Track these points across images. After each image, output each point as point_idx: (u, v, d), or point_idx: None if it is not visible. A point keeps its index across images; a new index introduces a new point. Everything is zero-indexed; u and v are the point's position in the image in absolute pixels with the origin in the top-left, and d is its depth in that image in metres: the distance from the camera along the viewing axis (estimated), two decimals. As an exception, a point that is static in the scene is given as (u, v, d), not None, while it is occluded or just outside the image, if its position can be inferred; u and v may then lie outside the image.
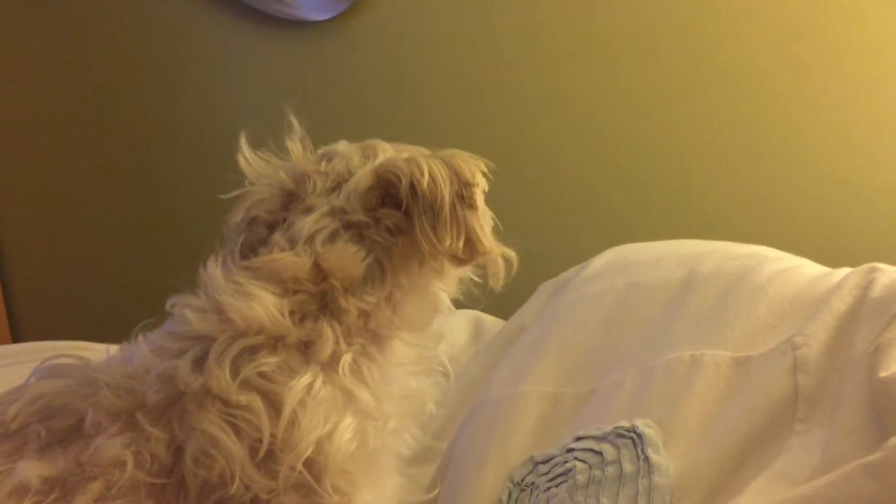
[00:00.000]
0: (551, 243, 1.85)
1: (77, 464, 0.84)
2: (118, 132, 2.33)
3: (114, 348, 1.00)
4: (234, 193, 1.03)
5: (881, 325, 0.95)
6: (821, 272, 1.18)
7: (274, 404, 0.87)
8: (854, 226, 1.66)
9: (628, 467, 0.98)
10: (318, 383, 0.89)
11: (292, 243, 0.94)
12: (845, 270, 1.13)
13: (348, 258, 0.93)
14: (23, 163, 2.43)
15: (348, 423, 0.89)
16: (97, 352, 1.05)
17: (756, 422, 0.95)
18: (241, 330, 0.89)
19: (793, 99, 1.69)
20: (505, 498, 1.09)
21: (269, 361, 0.88)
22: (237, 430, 0.86)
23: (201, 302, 0.93)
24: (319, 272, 0.93)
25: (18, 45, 2.35)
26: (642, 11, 1.77)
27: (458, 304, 1.12)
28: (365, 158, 1.00)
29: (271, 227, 0.98)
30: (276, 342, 0.89)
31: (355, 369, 0.93)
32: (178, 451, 0.87)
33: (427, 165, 0.94)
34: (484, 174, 0.98)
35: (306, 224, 0.95)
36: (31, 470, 0.83)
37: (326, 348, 0.91)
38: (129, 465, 0.84)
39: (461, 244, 0.93)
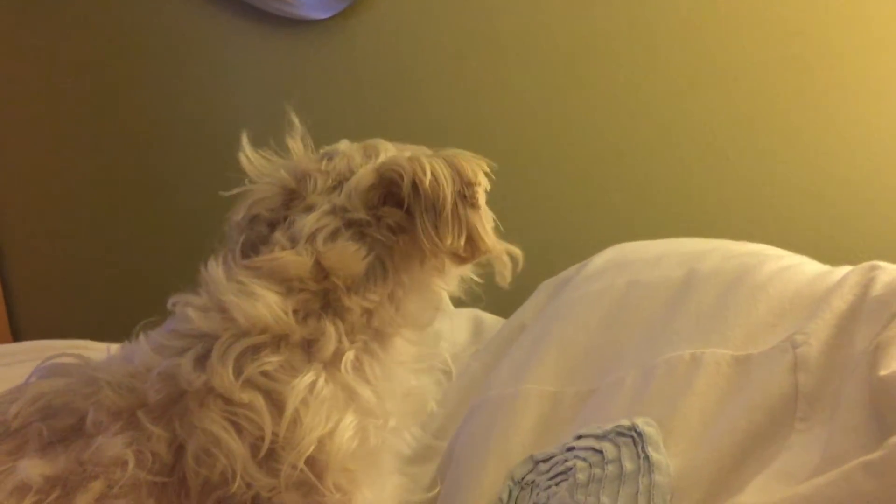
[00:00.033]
0: (552, 242, 1.85)
1: (78, 462, 0.84)
2: (118, 130, 2.33)
3: (114, 347, 0.99)
4: (234, 192, 1.03)
5: (881, 324, 0.95)
6: (821, 270, 1.18)
7: (276, 403, 0.87)
8: (854, 224, 1.66)
9: (629, 466, 0.98)
10: (321, 382, 0.89)
11: (293, 242, 0.94)
12: (846, 269, 1.13)
13: (349, 256, 0.93)
14: (23, 162, 2.43)
15: (349, 421, 0.89)
16: (97, 351, 1.04)
17: (756, 420, 0.95)
18: (245, 329, 0.89)
19: (793, 98, 1.70)
20: (505, 496, 1.09)
21: (271, 360, 0.88)
22: (239, 429, 0.86)
23: (203, 301, 0.93)
24: (321, 271, 0.93)
25: (18, 45, 2.35)
26: (643, 10, 1.77)
27: (459, 303, 1.12)
28: (367, 157, 1.00)
29: (272, 225, 0.99)
30: (279, 341, 0.90)
31: (357, 366, 0.93)
32: (179, 450, 0.87)
33: (429, 164, 0.94)
34: (486, 174, 0.98)
35: (307, 222, 0.95)
36: (33, 469, 0.83)
37: (329, 346, 0.91)
38: (131, 464, 0.84)
39: (462, 242, 0.94)
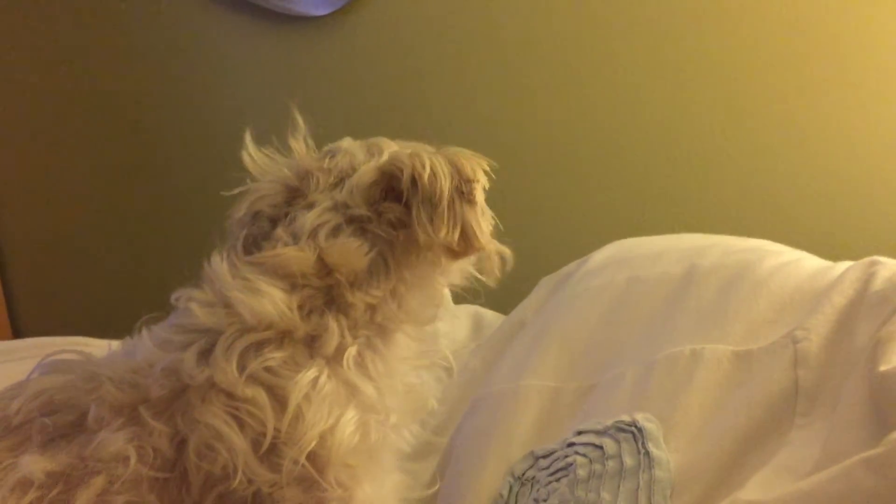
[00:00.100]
0: (552, 238, 1.85)
1: (80, 458, 0.84)
2: (116, 128, 2.32)
3: (115, 344, 1.00)
4: (236, 191, 1.03)
5: (882, 319, 0.95)
6: (821, 266, 1.18)
7: (279, 398, 0.87)
8: (854, 220, 1.66)
9: (629, 461, 0.98)
10: (323, 378, 0.89)
11: (295, 238, 0.95)
12: (846, 264, 1.13)
13: (352, 252, 0.94)
14: (23, 160, 2.43)
15: (351, 416, 0.89)
16: (98, 348, 1.05)
17: (756, 416, 0.95)
18: (250, 325, 0.89)
19: (793, 93, 1.69)
20: (505, 492, 1.09)
21: (275, 356, 0.88)
22: (241, 424, 0.86)
23: (208, 296, 0.93)
24: (324, 267, 0.93)
25: (18, 44, 2.35)
26: (643, 5, 1.77)
27: (459, 300, 1.12)
28: (370, 155, 1.00)
29: (274, 221, 0.99)
30: (282, 337, 0.90)
31: (360, 362, 0.93)
32: (180, 445, 0.87)
33: (429, 160, 0.94)
34: (486, 172, 0.99)
35: (308, 218, 0.95)
36: (34, 464, 0.83)
37: (332, 342, 0.91)
38: (132, 460, 0.84)
39: (456, 236, 0.94)
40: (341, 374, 0.91)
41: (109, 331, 1.24)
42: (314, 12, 2.03)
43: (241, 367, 0.87)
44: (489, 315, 1.67)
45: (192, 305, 0.92)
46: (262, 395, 0.87)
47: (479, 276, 1.05)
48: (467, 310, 1.67)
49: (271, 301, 0.89)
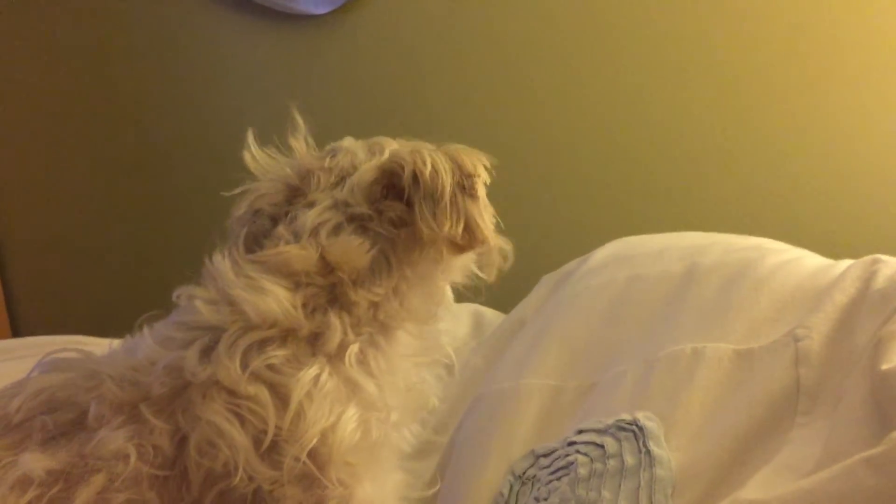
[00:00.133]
0: (553, 236, 1.85)
1: (80, 456, 0.84)
2: (116, 127, 2.32)
3: (116, 343, 1.00)
4: (237, 191, 1.03)
5: (883, 317, 0.95)
6: (823, 264, 1.18)
7: (281, 396, 0.87)
8: (856, 218, 1.66)
9: (630, 460, 0.98)
10: (325, 375, 0.89)
11: (296, 236, 0.95)
12: (847, 262, 1.13)
13: (353, 250, 0.94)
14: (23, 160, 2.43)
15: (352, 414, 0.89)
16: (97, 346, 1.05)
17: (758, 415, 0.95)
18: (254, 322, 0.89)
19: (795, 91, 1.69)
20: (506, 491, 1.09)
21: (277, 354, 0.88)
22: (242, 421, 0.86)
23: (211, 293, 0.93)
24: (326, 265, 0.93)
25: (18, 44, 2.35)
26: (643, 3, 1.76)
27: (459, 298, 1.12)
28: (371, 154, 1.00)
29: (274, 219, 0.99)
30: (285, 335, 0.90)
31: (362, 359, 0.93)
32: (181, 442, 0.87)
33: (430, 156, 0.95)
34: (486, 168, 0.99)
35: (309, 217, 0.95)
36: (35, 462, 0.83)
37: (334, 339, 0.91)
38: (133, 458, 0.84)
39: (460, 229, 0.94)
40: (343, 371, 0.91)
41: (109, 330, 1.23)
42: (314, 11, 2.03)
43: (244, 365, 0.87)
44: (489, 313, 1.67)
45: (196, 302, 0.92)
46: (264, 393, 0.87)
47: (481, 274, 1.05)
48: (467, 308, 1.67)
49: (275, 299, 0.90)
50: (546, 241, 1.83)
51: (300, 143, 1.04)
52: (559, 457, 1.05)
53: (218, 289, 0.93)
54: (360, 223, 0.95)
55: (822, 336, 0.99)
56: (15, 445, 0.85)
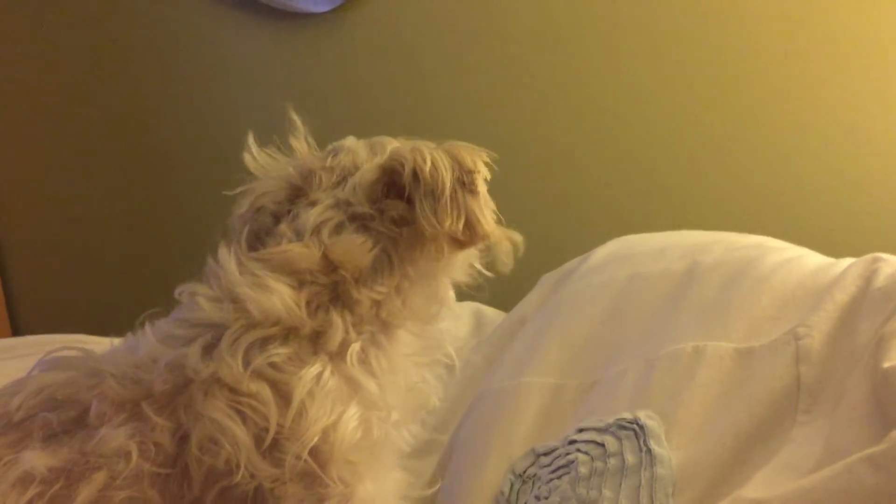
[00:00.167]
0: (553, 234, 1.85)
1: (81, 454, 0.84)
2: (116, 127, 2.32)
3: (116, 341, 1.00)
4: (238, 190, 1.03)
5: (884, 316, 0.95)
6: (823, 262, 1.18)
7: (283, 394, 0.87)
8: (857, 216, 1.66)
9: (630, 459, 0.98)
10: (327, 373, 0.89)
11: (298, 234, 0.95)
12: (848, 261, 1.13)
13: (355, 249, 0.94)
14: (23, 160, 2.43)
15: (353, 413, 0.90)
16: (98, 345, 1.04)
17: (759, 413, 0.95)
18: (257, 320, 0.90)
19: (795, 89, 1.69)
20: (507, 490, 1.09)
21: (280, 352, 0.89)
22: (244, 418, 0.86)
23: (213, 291, 0.93)
24: (329, 263, 0.93)
25: (18, 44, 2.35)
26: (645, 3, 1.76)
27: (460, 297, 1.12)
28: (372, 154, 1.00)
29: (276, 217, 0.99)
30: (288, 333, 0.90)
31: (363, 358, 0.94)
32: (182, 440, 0.87)
33: (430, 153, 0.95)
34: (486, 164, 0.99)
35: (311, 215, 0.95)
36: (36, 460, 0.83)
37: (336, 338, 0.91)
38: (134, 455, 0.84)
39: (461, 225, 0.94)
40: (344, 370, 0.91)
41: (109, 329, 1.23)
42: (314, 9, 2.03)
43: (246, 363, 0.87)
44: (490, 312, 1.67)
45: (199, 300, 0.92)
46: (265, 391, 0.87)
47: (485, 272, 1.05)
48: (468, 307, 1.67)
49: (280, 297, 0.90)
50: (546, 240, 1.82)
51: (301, 143, 1.04)
52: (560, 455, 1.05)
53: (221, 286, 0.93)
54: (361, 222, 0.96)
55: (823, 334, 0.99)
56: (16, 443, 0.85)
